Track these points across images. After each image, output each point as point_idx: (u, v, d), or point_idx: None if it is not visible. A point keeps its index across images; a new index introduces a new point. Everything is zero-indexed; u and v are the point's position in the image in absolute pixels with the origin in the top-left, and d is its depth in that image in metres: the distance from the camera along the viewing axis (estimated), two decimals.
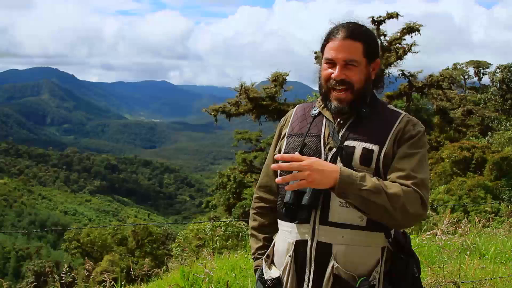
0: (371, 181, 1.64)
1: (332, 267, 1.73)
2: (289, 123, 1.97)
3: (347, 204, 1.72)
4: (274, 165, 1.64)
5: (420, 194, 1.68)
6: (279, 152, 1.95)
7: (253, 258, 2.09)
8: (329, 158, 1.78)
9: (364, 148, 1.75)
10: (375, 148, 1.75)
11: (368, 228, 1.75)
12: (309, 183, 1.60)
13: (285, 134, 1.96)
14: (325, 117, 1.88)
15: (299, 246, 1.80)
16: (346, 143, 1.78)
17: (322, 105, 1.90)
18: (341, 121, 1.83)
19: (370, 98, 1.86)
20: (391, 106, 1.90)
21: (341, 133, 1.81)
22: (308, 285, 1.78)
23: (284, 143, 1.93)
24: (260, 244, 2.06)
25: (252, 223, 2.10)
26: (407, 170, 1.71)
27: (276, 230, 2.00)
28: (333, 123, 1.84)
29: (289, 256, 1.82)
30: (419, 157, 1.75)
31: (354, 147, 1.76)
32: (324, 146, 1.82)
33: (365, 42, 1.80)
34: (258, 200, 2.09)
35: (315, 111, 1.92)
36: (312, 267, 1.77)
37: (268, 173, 2.04)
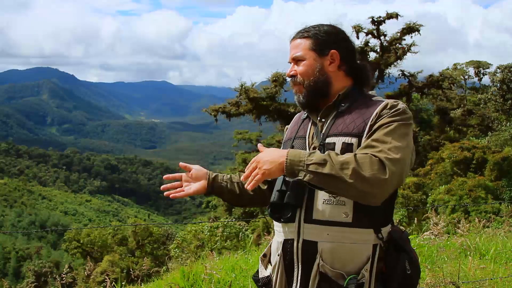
0: (319, 154, 1.65)
1: (318, 265, 1.74)
2: (286, 130, 2.08)
3: (331, 201, 1.74)
4: (242, 178, 1.76)
5: (378, 158, 1.62)
6: None
7: (213, 180, 2.08)
8: None
9: (343, 143, 1.76)
10: (353, 141, 1.76)
11: (355, 224, 1.74)
12: (263, 175, 1.70)
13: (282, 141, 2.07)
14: (311, 118, 1.94)
15: (287, 245, 1.82)
16: (328, 140, 1.80)
17: None
18: (323, 120, 1.88)
19: (350, 92, 1.88)
20: (377, 98, 1.89)
21: (323, 131, 1.85)
22: (296, 284, 1.79)
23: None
24: (227, 178, 2.11)
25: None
26: (369, 141, 1.69)
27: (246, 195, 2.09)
28: (316, 123, 1.89)
29: (278, 255, 1.85)
30: (390, 128, 1.71)
31: (334, 143, 1.78)
32: (308, 146, 1.87)
33: (313, 37, 1.89)
34: None
35: (304, 115, 2.00)
36: (300, 266, 1.79)
37: None
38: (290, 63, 1.94)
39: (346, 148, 1.75)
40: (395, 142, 1.67)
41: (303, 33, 1.91)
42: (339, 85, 1.89)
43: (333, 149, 1.76)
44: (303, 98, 1.88)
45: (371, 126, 1.75)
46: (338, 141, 1.77)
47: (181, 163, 2.07)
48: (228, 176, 2.12)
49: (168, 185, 2.06)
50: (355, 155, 1.64)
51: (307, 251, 1.77)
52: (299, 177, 1.65)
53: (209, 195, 2.10)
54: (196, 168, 2.07)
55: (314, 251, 1.75)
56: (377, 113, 1.77)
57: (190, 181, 2.06)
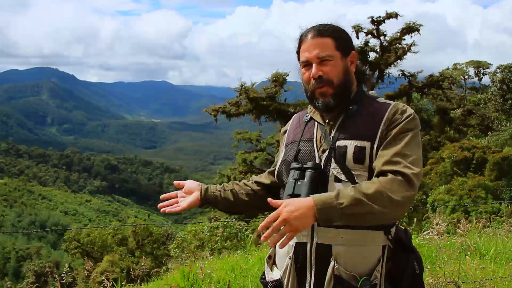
0: (347, 195, 1.61)
1: (333, 268, 1.73)
2: (287, 133, 2.02)
3: None
4: (262, 238, 1.62)
5: (403, 175, 1.65)
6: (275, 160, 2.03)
7: (205, 192, 2.05)
8: (323, 160, 1.80)
9: (356, 146, 1.75)
10: (366, 144, 1.75)
11: (367, 227, 1.75)
12: (295, 232, 1.59)
13: (283, 144, 2.01)
14: (316, 121, 1.90)
15: (299, 248, 1.80)
16: (338, 143, 1.78)
17: (313, 110, 1.93)
18: (331, 122, 1.84)
19: (357, 94, 1.87)
20: (381, 99, 1.89)
21: (332, 134, 1.82)
22: (309, 287, 1.78)
23: (282, 152, 1.98)
24: (219, 187, 2.06)
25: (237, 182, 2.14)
26: (390, 154, 1.70)
27: (240, 204, 2.05)
28: (324, 125, 1.86)
29: (289, 258, 1.83)
30: (406, 139, 1.74)
31: (346, 147, 1.76)
32: (317, 149, 1.84)
33: (335, 37, 1.83)
34: (256, 181, 2.12)
35: (307, 117, 1.95)
36: (313, 269, 1.77)
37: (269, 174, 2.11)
38: (307, 62, 1.84)
39: (359, 151, 1.74)
40: (414, 154, 1.72)
41: (323, 32, 1.83)
42: (353, 87, 1.88)
43: (345, 152, 1.75)
44: (333, 99, 1.80)
45: (383, 131, 1.76)
46: (350, 144, 1.76)
47: (175, 182, 2.07)
48: (221, 185, 2.09)
49: (165, 202, 2.04)
50: (380, 181, 1.63)
51: (321, 254, 1.76)
52: (336, 223, 1.62)
53: (203, 206, 2.06)
54: (188, 183, 2.06)
55: (329, 255, 1.75)
56: (388, 118, 1.77)
57: (186, 196, 2.04)
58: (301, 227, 1.58)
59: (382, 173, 1.68)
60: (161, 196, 2.06)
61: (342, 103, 1.82)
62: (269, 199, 1.63)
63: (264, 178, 2.10)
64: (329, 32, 1.83)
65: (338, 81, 1.81)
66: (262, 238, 1.60)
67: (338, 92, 1.81)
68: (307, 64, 1.83)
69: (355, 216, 1.61)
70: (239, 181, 2.14)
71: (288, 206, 1.58)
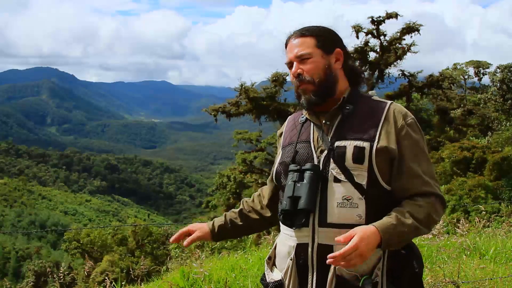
0: (405, 223, 1.68)
1: (334, 268, 1.73)
2: (283, 135, 2.02)
3: (345, 204, 1.74)
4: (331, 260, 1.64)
5: (440, 197, 1.77)
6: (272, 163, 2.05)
7: (212, 223, 2.13)
8: (321, 160, 1.80)
9: (355, 147, 1.75)
10: (366, 145, 1.75)
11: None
12: (364, 259, 1.64)
13: (280, 146, 2.01)
14: (312, 121, 1.90)
15: (300, 249, 1.80)
16: (337, 143, 1.78)
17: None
18: (328, 123, 1.85)
19: (351, 94, 1.88)
20: (375, 97, 1.90)
21: (330, 135, 1.82)
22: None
23: (279, 155, 1.97)
24: (222, 222, 2.11)
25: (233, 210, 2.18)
26: (421, 174, 1.77)
27: (245, 225, 2.12)
28: (321, 126, 1.86)
29: (290, 259, 1.82)
30: (425, 154, 1.81)
31: (345, 147, 1.76)
32: (315, 149, 1.83)
33: (316, 35, 1.86)
34: (254, 198, 2.18)
35: (302, 118, 1.95)
36: (315, 270, 1.77)
37: (266, 187, 2.16)
38: (290, 63, 1.89)
39: (358, 152, 1.75)
40: (430, 166, 1.82)
41: (304, 32, 1.87)
42: (342, 86, 1.88)
43: (344, 152, 1.75)
44: (314, 96, 1.83)
45: (391, 135, 1.77)
46: (349, 145, 1.76)
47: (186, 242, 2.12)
48: (223, 218, 2.14)
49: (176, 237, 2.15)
50: (425, 205, 1.73)
51: (322, 254, 1.75)
52: (392, 248, 1.72)
53: (217, 240, 2.16)
54: (197, 228, 2.15)
55: None
56: (391, 123, 1.79)
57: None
58: (368, 255, 1.64)
59: (421, 194, 1.76)
60: (171, 240, 2.15)
61: (324, 99, 1.84)
62: (336, 238, 1.64)
63: (269, 194, 2.11)
64: (310, 31, 1.87)
65: (318, 78, 1.83)
66: (331, 261, 1.62)
67: (319, 89, 1.83)
68: (291, 65, 1.88)
69: (407, 239, 1.74)
70: (246, 206, 2.15)
71: (359, 237, 1.61)
